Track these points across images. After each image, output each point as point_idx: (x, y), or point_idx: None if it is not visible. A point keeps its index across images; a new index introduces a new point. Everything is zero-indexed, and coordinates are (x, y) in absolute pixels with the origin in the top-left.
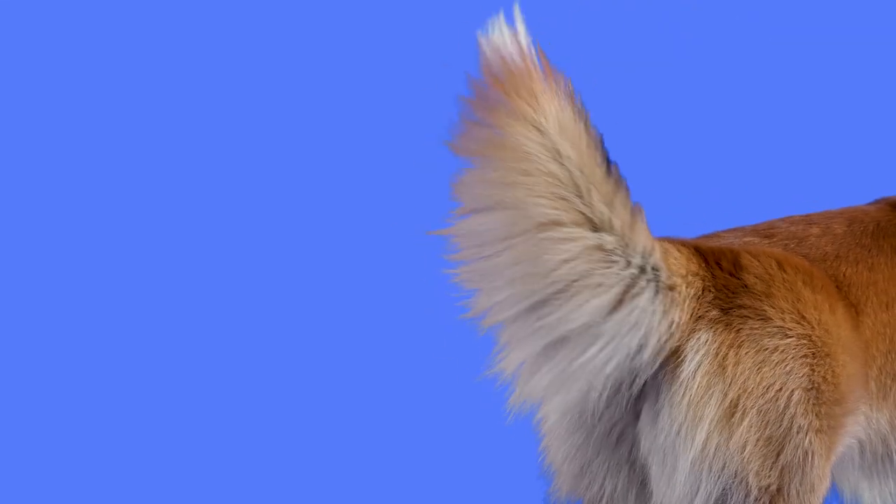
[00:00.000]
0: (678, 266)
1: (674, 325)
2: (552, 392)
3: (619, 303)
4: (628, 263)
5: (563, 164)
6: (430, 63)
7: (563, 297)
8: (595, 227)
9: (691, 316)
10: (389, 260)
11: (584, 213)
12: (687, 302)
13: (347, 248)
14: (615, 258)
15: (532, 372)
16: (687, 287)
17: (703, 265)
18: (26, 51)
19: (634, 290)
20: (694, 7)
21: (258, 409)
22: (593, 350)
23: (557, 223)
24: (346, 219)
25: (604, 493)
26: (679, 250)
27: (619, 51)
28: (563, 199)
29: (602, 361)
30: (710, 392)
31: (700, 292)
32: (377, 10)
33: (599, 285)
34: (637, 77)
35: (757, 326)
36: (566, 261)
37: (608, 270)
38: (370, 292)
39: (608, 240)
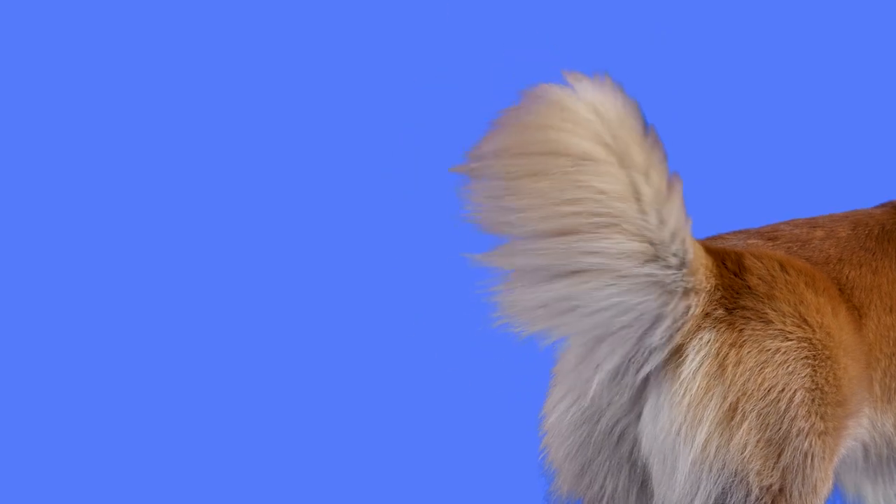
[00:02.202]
0: (700, 257)
1: (689, 312)
2: (554, 314)
3: (645, 256)
4: (661, 223)
5: (599, 118)
6: (429, 64)
7: (593, 229)
8: (630, 170)
9: (702, 311)
10: (390, 260)
11: (621, 156)
12: (703, 295)
13: (347, 248)
14: (649, 211)
15: (536, 290)
16: (706, 280)
17: (715, 264)
18: (26, 51)
19: (661, 252)
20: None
21: (258, 409)
22: (610, 290)
23: (594, 158)
24: (345, 219)
25: (604, 493)
26: (697, 244)
27: (626, 53)
28: (602, 143)
29: (616, 309)
30: (710, 394)
31: (713, 289)
32: (378, 11)
33: (630, 232)
34: (643, 80)
35: (759, 328)
36: (601, 191)
37: (641, 219)
38: (371, 293)
39: (645, 190)
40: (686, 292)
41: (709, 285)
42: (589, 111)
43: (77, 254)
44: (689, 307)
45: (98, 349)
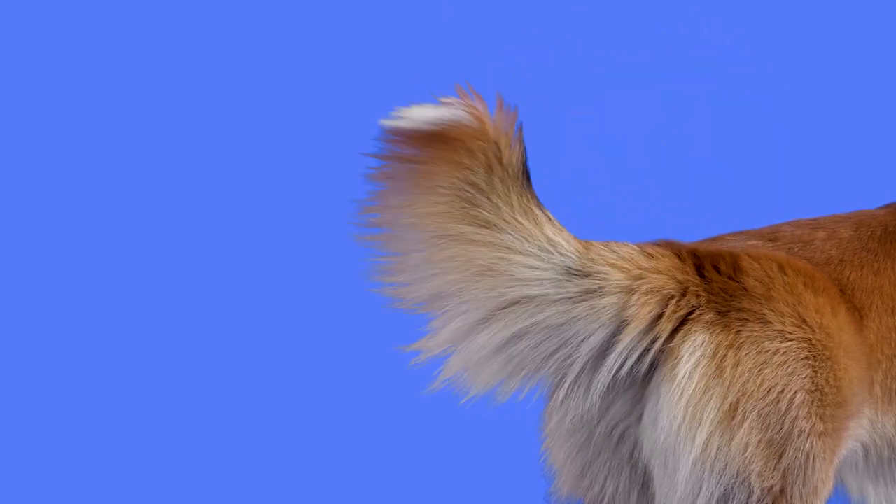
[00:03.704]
0: (618, 260)
1: (609, 315)
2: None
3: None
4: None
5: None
6: (429, 64)
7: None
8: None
9: (663, 316)
10: None
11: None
12: (638, 296)
13: (347, 248)
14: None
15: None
16: (635, 280)
17: (693, 271)
18: (26, 51)
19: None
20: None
21: (258, 409)
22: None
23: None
24: (344, 219)
25: (605, 494)
26: (641, 249)
27: (626, 55)
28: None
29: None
30: (709, 394)
31: (677, 294)
32: (377, 11)
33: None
34: (643, 79)
35: (757, 329)
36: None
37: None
38: (370, 294)
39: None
40: (584, 298)
41: (650, 286)
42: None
43: (76, 254)
44: (601, 308)
45: (98, 349)
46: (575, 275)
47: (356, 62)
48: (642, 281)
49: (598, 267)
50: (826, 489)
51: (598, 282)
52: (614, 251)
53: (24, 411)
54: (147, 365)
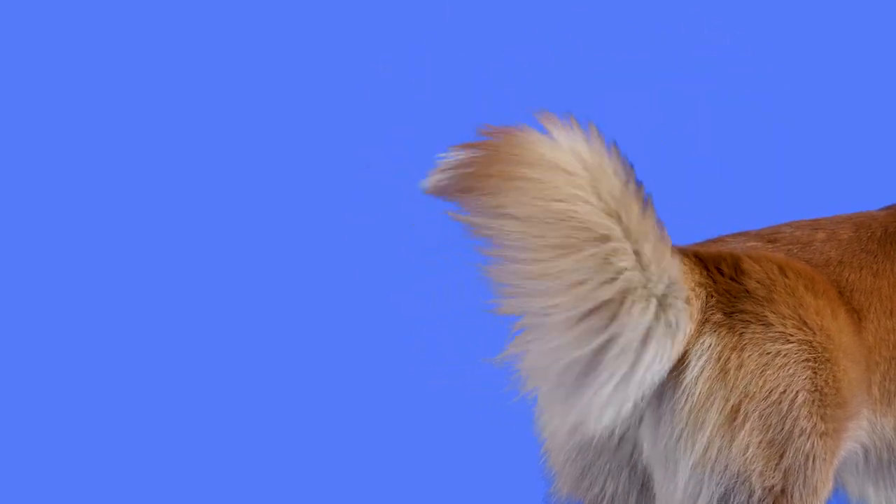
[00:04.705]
0: (688, 280)
1: (685, 337)
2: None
3: (656, 315)
4: (659, 279)
5: (601, 198)
6: (427, 65)
7: (611, 307)
8: (633, 240)
9: (697, 324)
10: (390, 261)
11: (626, 229)
12: (695, 314)
13: (345, 249)
14: (649, 274)
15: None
16: (696, 299)
17: (706, 273)
18: (26, 51)
19: (667, 303)
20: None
21: (258, 410)
22: (646, 359)
23: (612, 237)
24: (343, 219)
25: (604, 495)
26: (685, 262)
27: (625, 55)
28: (614, 216)
29: (651, 373)
30: (712, 398)
31: (704, 301)
32: (376, 12)
33: (641, 297)
34: (643, 79)
35: (759, 331)
36: (625, 268)
37: (644, 285)
38: (371, 294)
39: (646, 256)
40: (684, 325)
41: (700, 301)
42: (588, 180)
43: (76, 254)
44: (685, 334)
45: (98, 349)
46: (686, 304)
47: (356, 62)
48: (694, 301)
49: (689, 293)
50: (825, 490)
51: (688, 307)
52: (684, 273)
53: (24, 411)
54: (147, 366)
